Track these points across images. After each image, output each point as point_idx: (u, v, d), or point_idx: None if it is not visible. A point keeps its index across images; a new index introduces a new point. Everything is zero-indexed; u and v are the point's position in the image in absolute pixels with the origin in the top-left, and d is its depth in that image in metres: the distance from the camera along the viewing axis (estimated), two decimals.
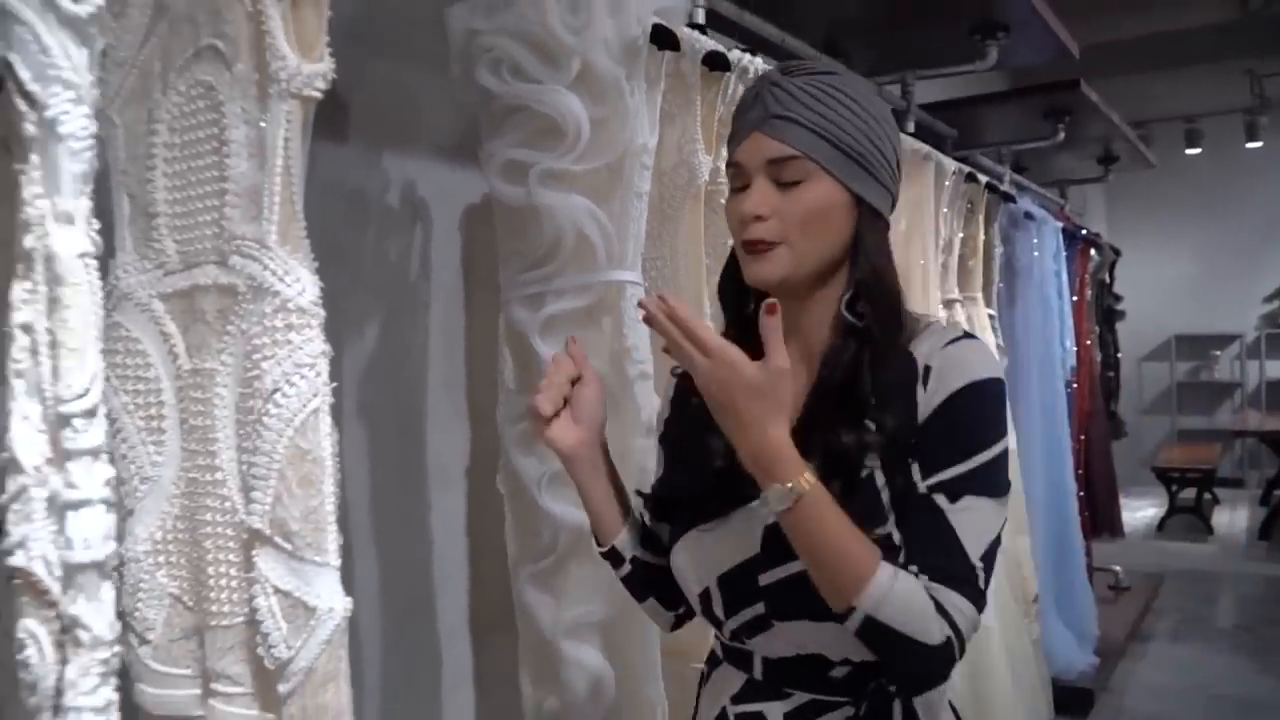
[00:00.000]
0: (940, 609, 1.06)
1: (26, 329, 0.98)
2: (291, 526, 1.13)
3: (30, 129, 0.96)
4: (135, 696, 1.31)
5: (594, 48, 1.64)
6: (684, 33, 1.80)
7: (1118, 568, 5.96)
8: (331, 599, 1.14)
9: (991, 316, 3.55)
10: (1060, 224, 4.63)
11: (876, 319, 1.19)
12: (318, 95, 1.14)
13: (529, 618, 1.84)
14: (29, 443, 0.96)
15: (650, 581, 1.41)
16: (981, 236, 3.46)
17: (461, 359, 2.31)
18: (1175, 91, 7.47)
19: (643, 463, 1.73)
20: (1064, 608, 4.45)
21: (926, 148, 2.94)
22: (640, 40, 1.69)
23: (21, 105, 0.96)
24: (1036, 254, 4.22)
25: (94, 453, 0.94)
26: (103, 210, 1.06)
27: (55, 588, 0.95)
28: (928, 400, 1.14)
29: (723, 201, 1.98)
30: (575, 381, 1.31)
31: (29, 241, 0.97)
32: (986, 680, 3.06)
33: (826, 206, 1.18)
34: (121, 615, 1.05)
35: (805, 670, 1.21)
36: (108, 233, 1.18)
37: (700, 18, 2.11)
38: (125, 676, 1.16)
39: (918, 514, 1.11)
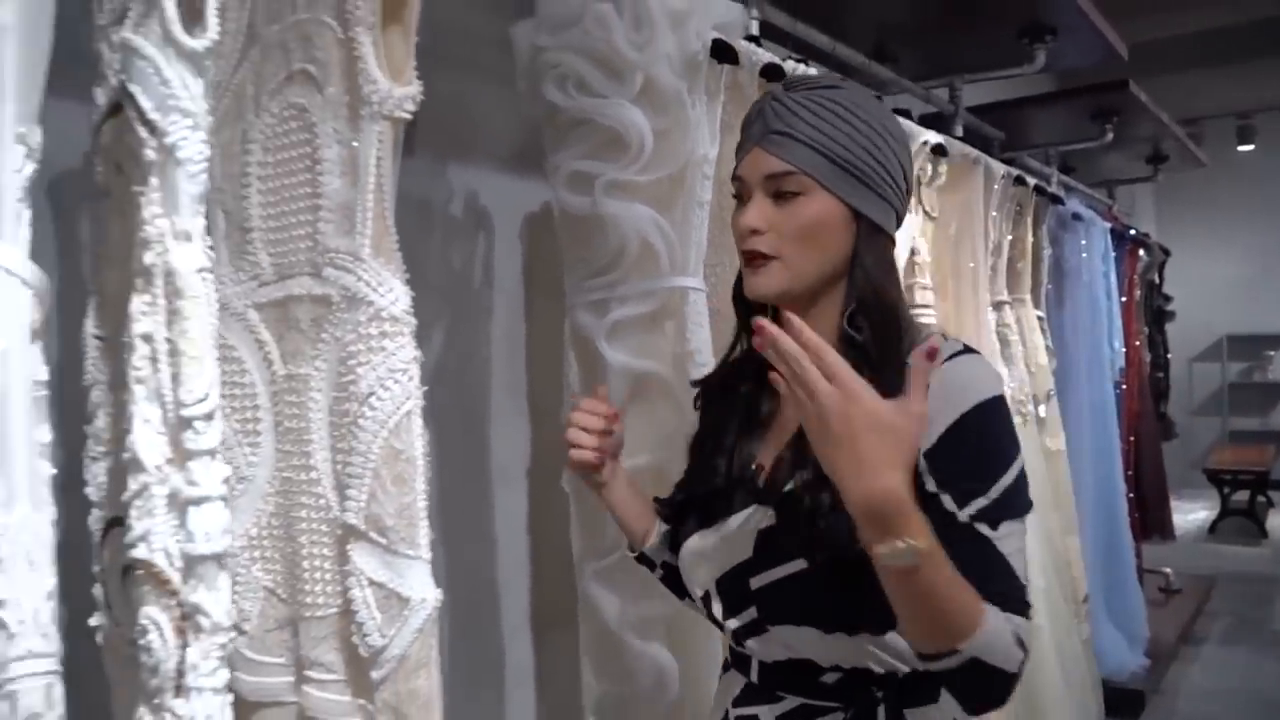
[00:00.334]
0: (1016, 637, 1.06)
1: (146, 339, 1.05)
2: (386, 522, 1.20)
3: (150, 154, 1.04)
4: (232, 684, 1.39)
5: (657, 63, 1.71)
6: (742, 46, 1.86)
7: (1168, 570, 5.94)
8: (424, 590, 1.21)
9: (1040, 318, 3.58)
10: (1108, 224, 4.64)
11: (875, 334, 1.20)
12: (407, 117, 1.22)
13: (594, 612, 1.91)
14: (150, 444, 1.04)
15: (682, 584, 1.45)
16: (1030, 238, 3.49)
17: (523, 363, 2.38)
18: (1226, 88, 7.42)
19: None
20: (1114, 609, 4.46)
21: (975, 152, 2.98)
22: (701, 55, 1.75)
23: (143, 132, 1.03)
24: (1085, 255, 4.24)
25: (212, 452, 1.02)
26: None
27: (176, 578, 1.03)
28: (931, 422, 1.10)
29: None
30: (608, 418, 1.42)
31: (149, 258, 1.05)
32: (1037, 678, 3.08)
33: (822, 221, 1.20)
34: None
35: (797, 675, 1.24)
36: None
37: (755, 29, 2.18)
38: None
39: (964, 544, 1.08)
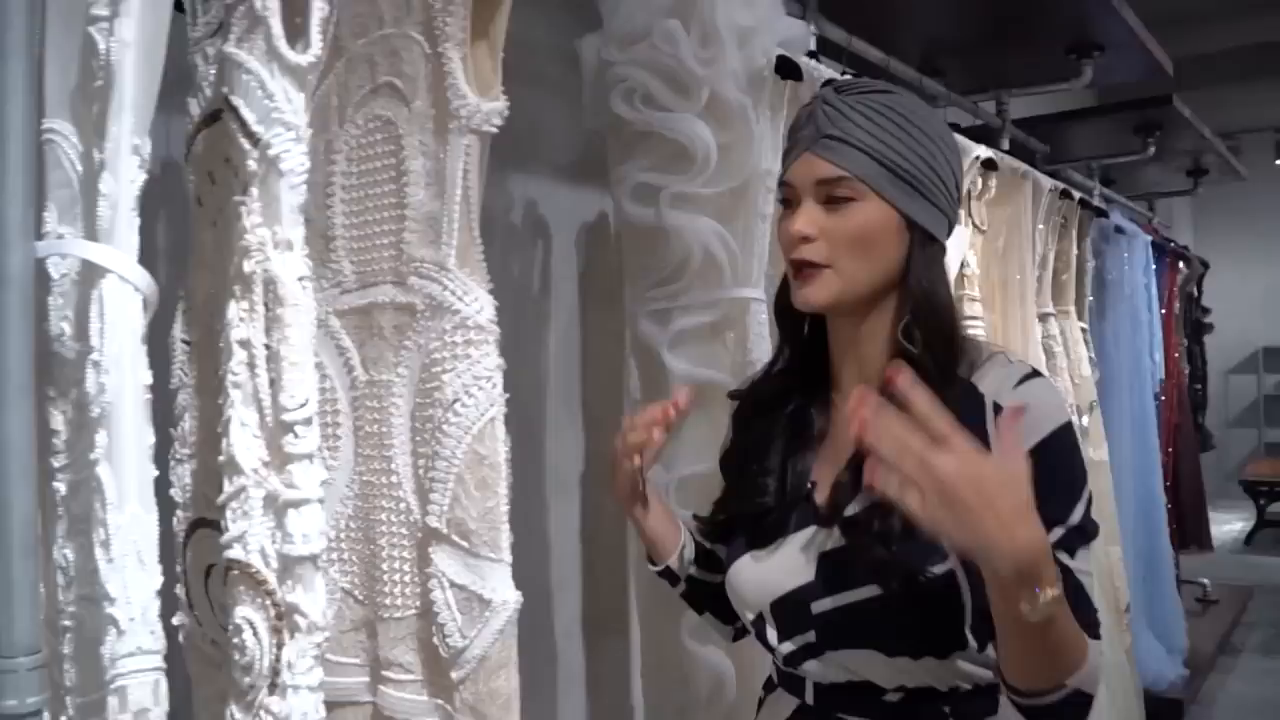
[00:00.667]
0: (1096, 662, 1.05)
1: (244, 344, 1.08)
2: (469, 526, 1.23)
3: (252, 165, 1.06)
4: None
5: (722, 78, 1.73)
6: (805, 63, 1.88)
7: (1205, 581, 5.91)
8: (505, 592, 1.23)
9: (1084, 330, 3.58)
10: (1149, 237, 4.64)
11: (929, 346, 1.16)
12: (494, 130, 1.24)
13: (651, 620, 1.93)
14: (247, 447, 1.07)
15: (706, 597, 1.45)
16: (1074, 251, 3.49)
17: (578, 371, 2.41)
18: (1264, 102, 7.38)
19: None
20: (1154, 620, 4.46)
21: (1024, 166, 2.99)
22: (766, 71, 1.78)
23: (245, 144, 1.06)
24: (1127, 268, 4.23)
25: (311, 456, 1.05)
26: None
27: (272, 578, 1.06)
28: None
29: None
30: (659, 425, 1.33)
31: (249, 266, 1.08)
32: None
33: (875, 228, 1.17)
34: None
35: (858, 696, 1.20)
36: None
37: (812, 44, 2.20)
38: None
39: None
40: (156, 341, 1.31)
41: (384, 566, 1.33)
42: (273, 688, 1.06)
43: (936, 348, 1.16)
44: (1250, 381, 10.09)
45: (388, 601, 1.33)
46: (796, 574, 1.21)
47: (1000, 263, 2.90)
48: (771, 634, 1.24)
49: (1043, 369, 3.01)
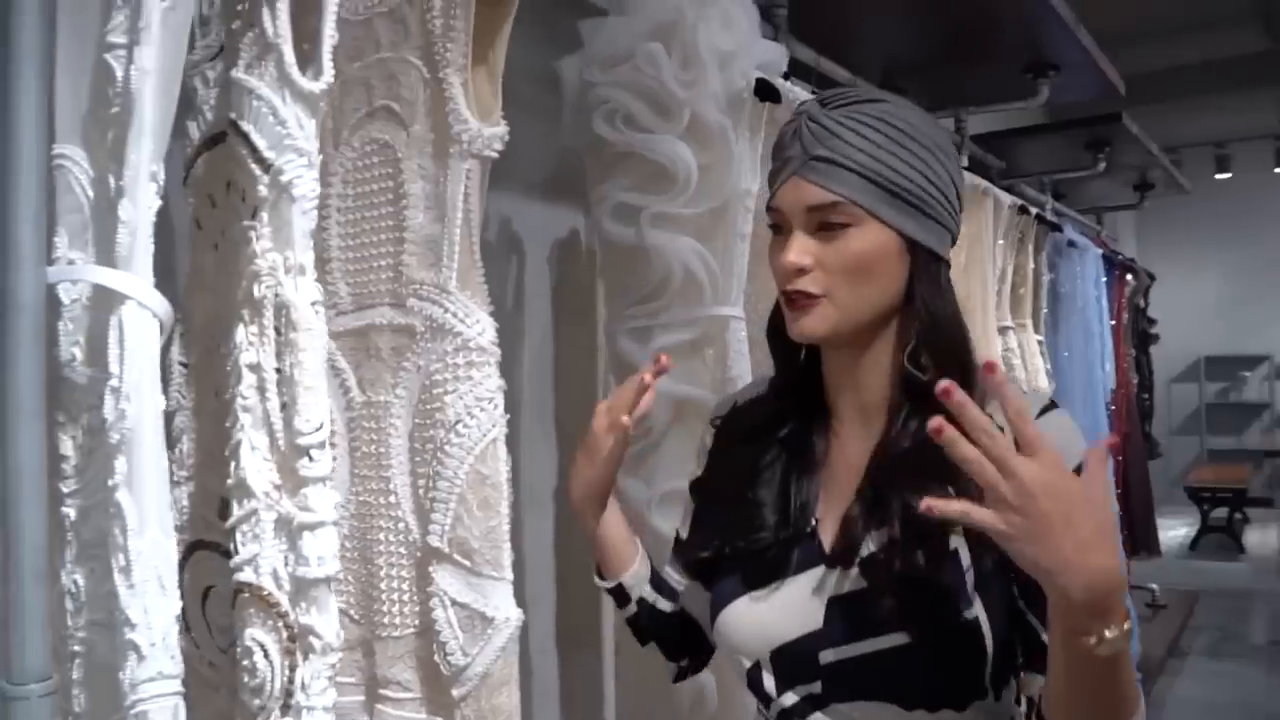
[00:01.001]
0: None
1: (254, 368, 1.09)
2: (472, 545, 1.24)
3: (263, 190, 1.08)
4: None
5: (703, 100, 1.76)
6: (782, 85, 1.92)
7: (1154, 586, 6.04)
8: (508, 609, 1.25)
9: (1040, 342, 3.66)
10: (1100, 251, 4.74)
11: (940, 372, 1.03)
12: (495, 155, 1.26)
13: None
14: (258, 470, 1.08)
15: (656, 628, 1.36)
16: (1031, 265, 3.57)
17: (550, 386, 2.42)
18: (1205, 118, 7.58)
19: None
20: None
21: (985, 183, 3.05)
22: (745, 93, 1.81)
23: (256, 170, 1.07)
24: (1079, 281, 4.32)
25: (326, 479, 1.06)
26: None
27: (284, 600, 1.07)
28: None
29: None
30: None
31: (258, 290, 1.08)
32: None
33: (874, 254, 1.08)
34: None
35: None
36: None
37: (784, 65, 2.23)
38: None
39: None
40: None
41: (382, 586, 1.34)
42: (285, 709, 1.06)
43: (950, 372, 1.00)
44: (1192, 390, 10.32)
45: (386, 620, 1.34)
46: (802, 620, 1.10)
47: (963, 278, 2.96)
48: (769, 683, 1.14)
49: None
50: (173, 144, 1.23)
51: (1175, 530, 8.89)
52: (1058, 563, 0.83)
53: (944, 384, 0.86)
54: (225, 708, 1.25)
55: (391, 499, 1.33)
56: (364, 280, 1.36)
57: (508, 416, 1.27)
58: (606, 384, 2.01)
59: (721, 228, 1.84)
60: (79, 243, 1.04)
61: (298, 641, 1.06)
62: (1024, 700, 1.12)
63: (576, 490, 1.33)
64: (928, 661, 1.03)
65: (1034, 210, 3.51)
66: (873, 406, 1.15)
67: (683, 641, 1.35)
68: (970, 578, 1.03)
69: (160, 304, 0.99)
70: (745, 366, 1.85)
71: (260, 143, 1.07)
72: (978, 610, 1.02)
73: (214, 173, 1.22)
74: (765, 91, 1.85)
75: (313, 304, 1.07)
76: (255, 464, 1.08)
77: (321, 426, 1.05)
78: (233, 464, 1.10)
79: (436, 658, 1.27)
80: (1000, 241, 3.17)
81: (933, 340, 1.10)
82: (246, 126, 1.08)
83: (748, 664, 1.16)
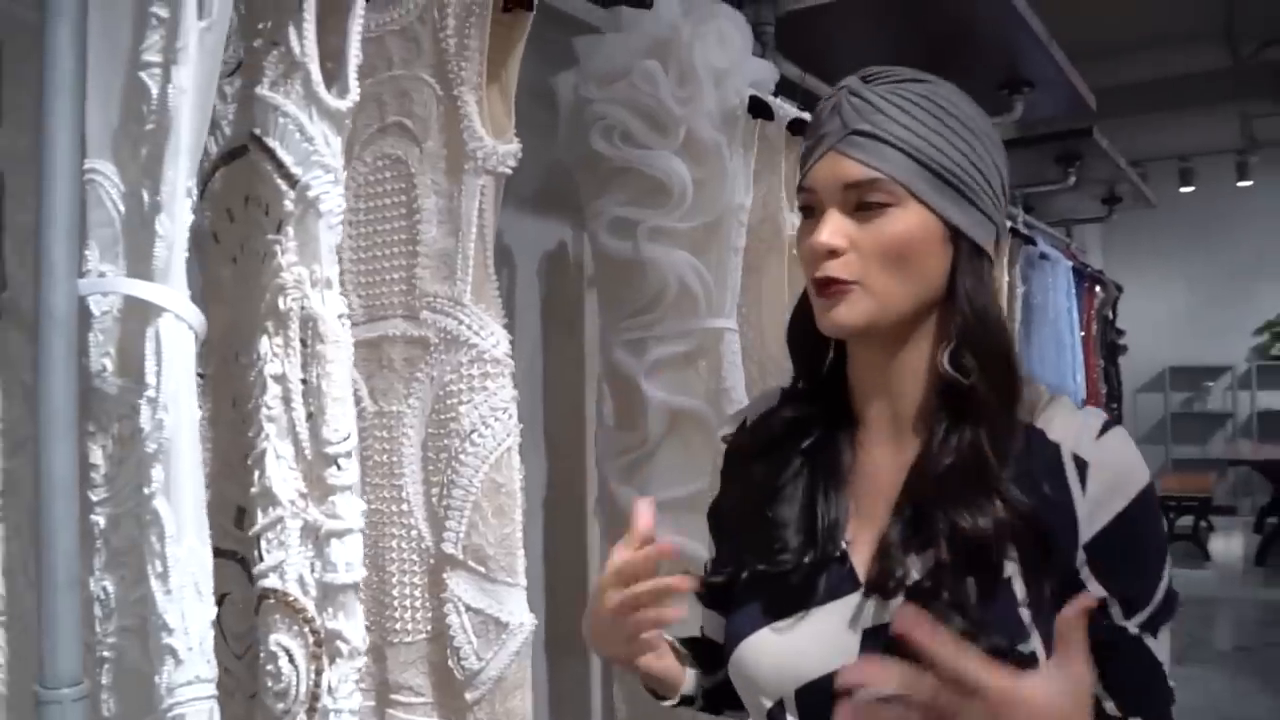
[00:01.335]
0: None
1: (279, 379, 1.12)
2: (487, 551, 1.27)
3: (288, 205, 1.11)
4: None
5: (699, 117, 1.80)
6: (774, 102, 1.96)
7: None
8: (521, 615, 1.29)
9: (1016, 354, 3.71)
10: (1070, 263, 4.81)
11: (984, 375, 0.98)
12: (509, 172, 1.29)
13: None
14: (283, 479, 1.11)
15: (721, 697, 1.19)
16: (1005, 278, 3.63)
17: (540, 397, 2.45)
18: (1170, 133, 7.71)
19: None
20: None
21: None
22: (739, 110, 1.85)
23: (282, 185, 1.10)
24: (1051, 293, 4.39)
25: (353, 487, 1.09)
26: None
27: (310, 606, 1.10)
28: (1094, 509, 0.96)
29: (794, 253, 2.16)
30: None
31: (284, 303, 1.11)
32: None
33: (915, 239, 0.99)
34: None
35: None
36: None
37: (774, 82, 2.28)
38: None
39: (1130, 658, 0.96)
40: None
41: (394, 593, 1.36)
42: (311, 712, 1.09)
43: (994, 378, 0.98)
44: (1158, 400, 10.46)
45: (398, 627, 1.37)
46: (834, 654, 0.98)
47: None
48: None
49: None
50: None
51: None
52: None
53: (902, 620, 0.80)
54: (240, 713, 1.27)
55: (404, 507, 1.35)
56: (376, 293, 1.38)
57: (521, 426, 1.30)
58: (599, 393, 2.03)
59: (716, 241, 1.88)
60: (109, 255, 1.06)
61: (324, 646, 1.09)
62: None
63: (609, 653, 1.14)
64: None
65: (1008, 223, 3.57)
66: (906, 414, 1.05)
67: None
68: (1027, 610, 0.94)
69: (195, 316, 1.02)
70: (739, 377, 1.89)
71: (286, 159, 1.10)
72: (1035, 644, 0.93)
73: (232, 187, 1.25)
74: (758, 108, 1.90)
75: (339, 317, 1.10)
76: (281, 472, 1.11)
77: (349, 436, 1.08)
78: (256, 473, 1.12)
79: (450, 662, 1.30)
80: None
81: (975, 340, 0.99)
82: (272, 143, 1.11)
83: (768, 704, 1.03)
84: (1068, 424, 0.99)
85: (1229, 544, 9.06)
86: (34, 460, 1.11)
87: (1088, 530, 0.95)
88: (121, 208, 1.06)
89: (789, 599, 1.03)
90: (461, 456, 1.28)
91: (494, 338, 1.29)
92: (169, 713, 0.97)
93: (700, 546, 1.87)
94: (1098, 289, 5.54)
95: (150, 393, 0.98)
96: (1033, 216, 5.29)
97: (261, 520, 1.11)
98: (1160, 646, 0.97)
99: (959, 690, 0.78)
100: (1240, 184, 8.61)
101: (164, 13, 0.99)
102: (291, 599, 1.09)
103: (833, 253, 0.99)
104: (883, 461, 1.06)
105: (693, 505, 1.88)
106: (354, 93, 1.10)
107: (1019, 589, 0.94)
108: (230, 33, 1.26)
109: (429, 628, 1.34)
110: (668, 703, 1.17)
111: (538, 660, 2.45)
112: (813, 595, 1.02)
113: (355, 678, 1.09)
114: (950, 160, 0.99)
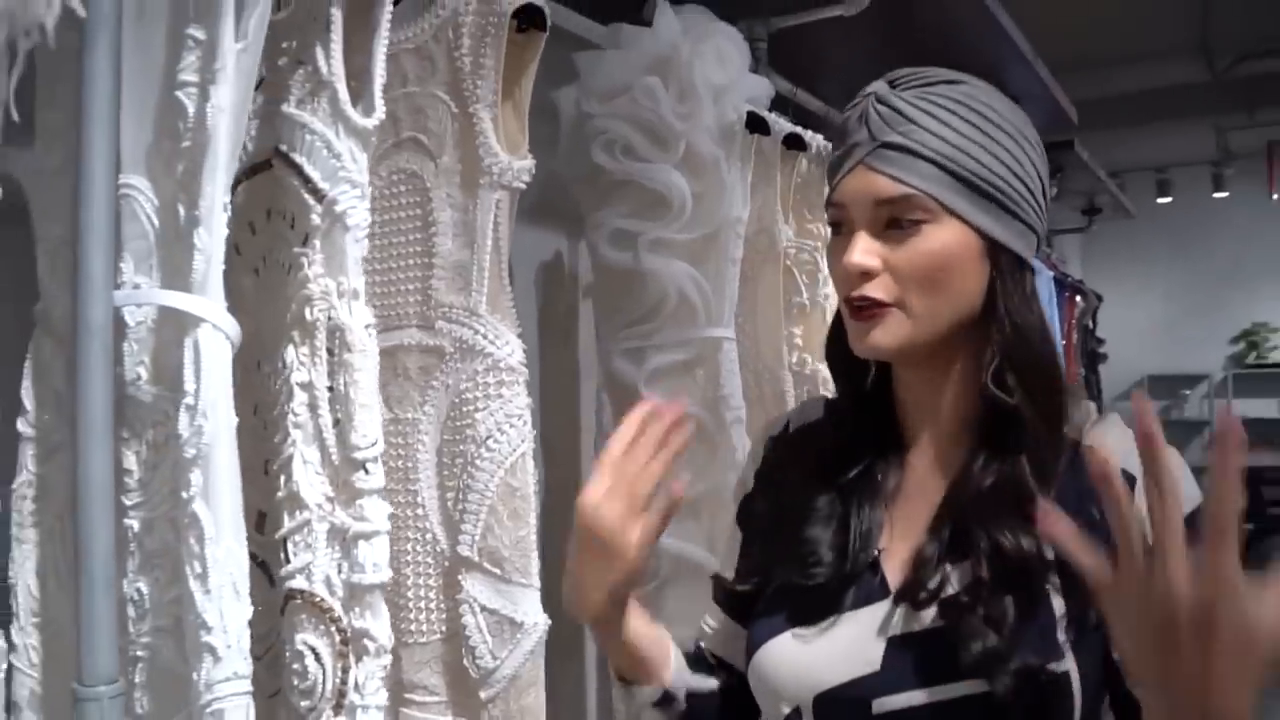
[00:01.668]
0: None
1: (305, 387, 1.16)
2: (502, 554, 1.31)
3: (315, 219, 1.15)
4: None
5: (698, 132, 1.85)
6: (770, 118, 2.01)
7: None
8: (535, 615, 1.32)
9: None
10: (1051, 273, 4.89)
11: (1028, 393, 0.94)
12: (523, 187, 1.34)
13: None
14: (310, 483, 1.15)
15: (711, 713, 1.11)
16: None
17: (536, 406, 2.49)
18: (1148, 145, 7.81)
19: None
20: None
21: None
22: (737, 125, 1.90)
23: (309, 200, 1.15)
24: None
25: (380, 491, 1.13)
26: None
27: (337, 606, 1.13)
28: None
29: (788, 264, 2.22)
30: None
31: (310, 314, 1.16)
32: None
33: (952, 256, 0.94)
34: None
35: None
36: None
37: (769, 98, 2.34)
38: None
39: None
40: None
41: (409, 594, 1.40)
42: (337, 709, 1.13)
43: (1038, 395, 0.95)
44: None
45: (412, 628, 1.40)
46: (856, 662, 0.95)
47: None
48: None
49: None
50: None
51: None
52: (1169, 688, 0.71)
53: (1041, 513, 0.74)
54: (259, 712, 1.31)
55: (419, 511, 1.39)
56: (391, 303, 1.42)
57: (535, 432, 1.34)
58: (598, 401, 2.08)
59: (714, 253, 1.93)
60: (144, 268, 1.10)
61: (350, 644, 1.13)
62: None
63: (593, 604, 0.99)
64: (1001, 715, 0.89)
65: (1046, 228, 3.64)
66: (951, 432, 1.01)
67: (737, 712, 1.11)
68: (1063, 627, 0.90)
69: (232, 326, 1.06)
70: (736, 385, 1.94)
71: (314, 174, 1.14)
72: (1068, 664, 0.89)
73: (253, 200, 1.28)
74: (755, 124, 1.95)
75: (366, 326, 1.14)
76: (308, 477, 1.15)
77: (376, 442, 1.12)
78: (283, 477, 1.16)
79: (465, 661, 1.34)
80: None
81: (1018, 357, 0.95)
82: (299, 159, 1.15)
83: (786, 710, 1.00)
84: (1117, 442, 0.94)
85: None
86: (65, 466, 1.16)
87: None
88: (156, 221, 1.09)
89: (816, 606, 1.00)
90: (477, 461, 1.32)
91: (509, 347, 1.33)
92: (207, 708, 1.00)
93: (698, 549, 1.94)
94: (1078, 298, 5.62)
95: (189, 400, 1.02)
96: None
97: (288, 523, 1.15)
98: None
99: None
100: (1216, 195, 8.71)
101: (201, 35, 1.03)
102: (318, 599, 1.13)
103: (865, 274, 0.95)
104: (926, 480, 1.02)
105: (692, 510, 1.93)
106: (379, 111, 1.14)
107: (1058, 609, 0.90)
108: None
109: (443, 628, 1.38)
110: (645, 697, 1.06)
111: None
112: (841, 603, 0.99)
113: (382, 674, 1.12)
114: (987, 169, 0.94)
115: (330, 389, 1.15)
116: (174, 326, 1.07)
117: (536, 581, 1.33)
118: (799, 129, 2.17)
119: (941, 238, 0.94)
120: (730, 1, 2.15)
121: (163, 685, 1.10)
